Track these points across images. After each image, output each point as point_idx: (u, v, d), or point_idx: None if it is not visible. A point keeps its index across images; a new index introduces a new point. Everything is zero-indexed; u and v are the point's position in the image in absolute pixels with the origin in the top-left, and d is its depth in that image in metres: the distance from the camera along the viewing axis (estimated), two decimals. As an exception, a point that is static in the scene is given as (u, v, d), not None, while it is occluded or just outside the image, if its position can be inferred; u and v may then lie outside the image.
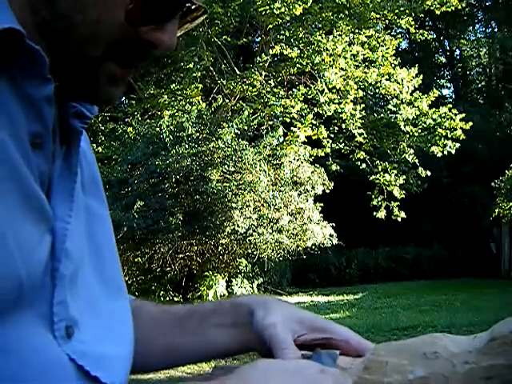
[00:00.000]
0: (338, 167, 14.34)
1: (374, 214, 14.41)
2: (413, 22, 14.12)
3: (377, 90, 14.16)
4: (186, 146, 10.88)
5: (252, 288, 14.66)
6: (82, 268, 0.64)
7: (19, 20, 0.57)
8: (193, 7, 0.65)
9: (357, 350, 0.69)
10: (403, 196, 14.24)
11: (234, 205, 10.63)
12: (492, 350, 0.49)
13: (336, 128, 14.16)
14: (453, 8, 13.74)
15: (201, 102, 12.61)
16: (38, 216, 0.57)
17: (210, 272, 12.72)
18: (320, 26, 13.40)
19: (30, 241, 0.55)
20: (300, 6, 12.02)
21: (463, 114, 13.66)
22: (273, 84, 13.50)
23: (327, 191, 12.52)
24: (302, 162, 12.13)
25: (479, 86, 27.24)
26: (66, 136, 0.65)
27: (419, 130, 13.87)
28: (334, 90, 12.99)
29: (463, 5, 14.13)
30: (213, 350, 0.77)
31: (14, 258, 0.53)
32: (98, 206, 0.73)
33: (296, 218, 11.63)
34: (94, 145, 13.68)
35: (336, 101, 12.94)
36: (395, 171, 14.24)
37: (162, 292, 12.78)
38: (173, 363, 0.82)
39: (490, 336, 0.50)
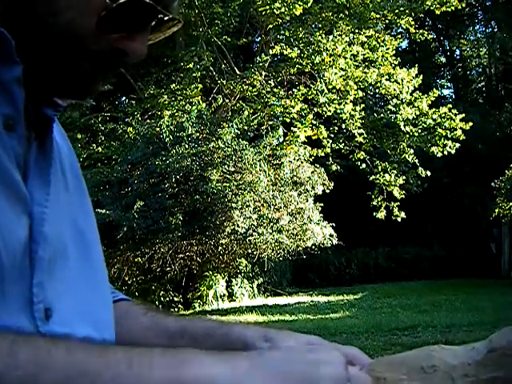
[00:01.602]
0: (338, 167, 14.32)
1: (374, 214, 14.39)
2: (413, 22, 14.11)
3: (377, 90, 14.14)
4: (186, 145, 10.88)
5: (252, 288, 14.66)
6: (64, 254, 0.64)
7: None
8: (166, 18, 0.65)
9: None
10: (403, 196, 14.23)
11: (234, 205, 10.62)
12: (492, 361, 0.48)
13: (336, 128, 14.14)
14: (453, 8, 13.73)
15: (201, 102, 12.59)
16: (13, 195, 0.57)
17: (210, 272, 12.73)
18: (320, 26, 13.39)
19: (8, 218, 0.56)
20: (300, 6, 12.01)
21: (463, 114, 13.65)
22: (273, 84, 13.48)
23: (327, 191, 12.51)
24: (302, 162, 12.12)
25: (479, 85, 27.21)
26: (40, 124, 0.66)
27: (419, 130, 13.85)
28: (334, 90, 12.98)
29: (463, 5, 14.13)
30: None
31: None
32: (80, 197, 0.73)
33: (296, 218, 11.62)
34: (94, 145, 13.67)
35: (336, 101, 12.93)
36: (395, 171, 14.22)
37: (162, 292, 12.78)
38: None
39: (489, 347, 0.49)
